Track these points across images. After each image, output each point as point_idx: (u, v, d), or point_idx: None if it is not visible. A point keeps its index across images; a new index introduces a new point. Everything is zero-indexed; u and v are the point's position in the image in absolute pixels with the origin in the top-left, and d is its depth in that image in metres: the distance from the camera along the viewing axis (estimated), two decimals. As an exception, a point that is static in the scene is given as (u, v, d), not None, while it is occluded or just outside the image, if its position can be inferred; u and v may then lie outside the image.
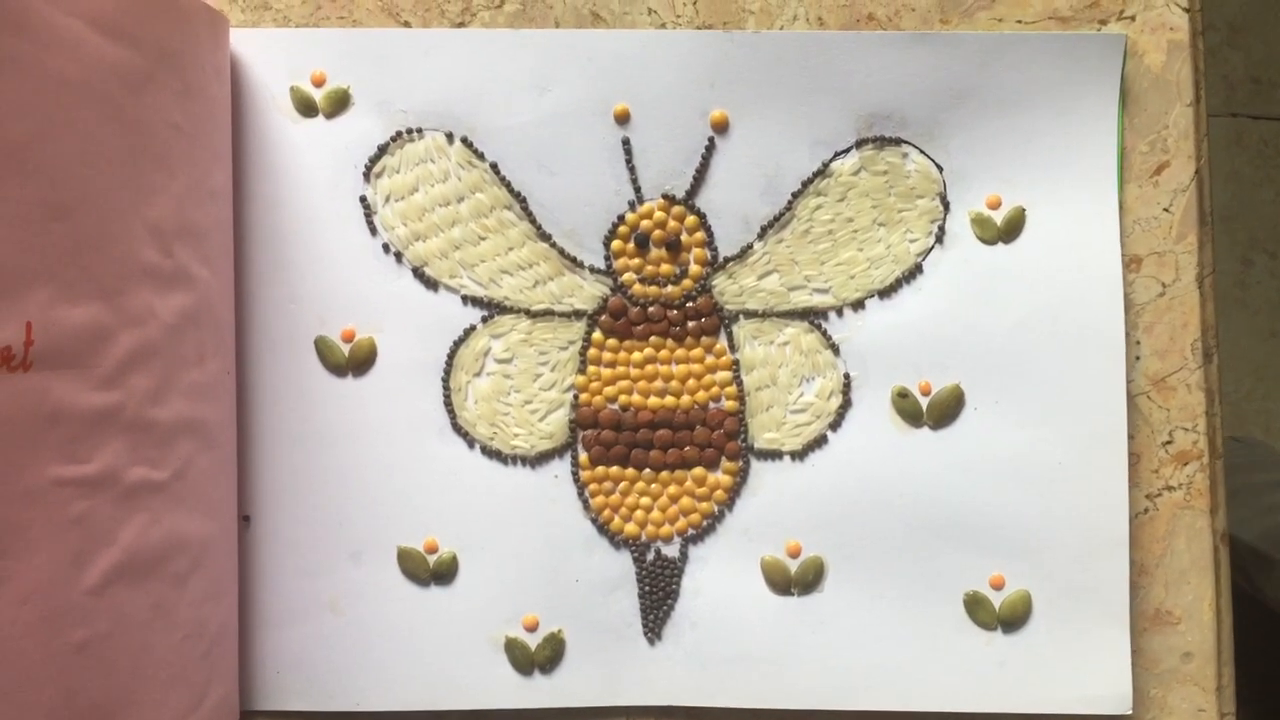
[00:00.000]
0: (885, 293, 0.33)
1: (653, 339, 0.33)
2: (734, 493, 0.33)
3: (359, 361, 0.33)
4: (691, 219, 0.33)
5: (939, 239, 0.33)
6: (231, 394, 0.32)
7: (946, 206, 0.33)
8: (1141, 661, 0.33)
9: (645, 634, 0.33)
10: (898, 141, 0.32)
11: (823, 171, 0.33)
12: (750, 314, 0.33)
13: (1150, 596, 0.33)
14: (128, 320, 0.25)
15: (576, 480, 0.33)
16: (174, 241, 0.27)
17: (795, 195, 0.33)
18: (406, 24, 0.33)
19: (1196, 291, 0.33)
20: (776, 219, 0.33)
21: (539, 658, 0.32)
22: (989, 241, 0.33)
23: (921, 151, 0.33)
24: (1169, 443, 0.33)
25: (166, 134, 0.27)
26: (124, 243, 0.25)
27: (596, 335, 0.33)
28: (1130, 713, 0.32)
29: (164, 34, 0.27)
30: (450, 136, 0.33)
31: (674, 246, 0.33)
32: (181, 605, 0.28)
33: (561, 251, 0.33)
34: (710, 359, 0.33)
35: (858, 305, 0.33)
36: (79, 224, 0.24)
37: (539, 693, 0.32)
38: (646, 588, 0.33)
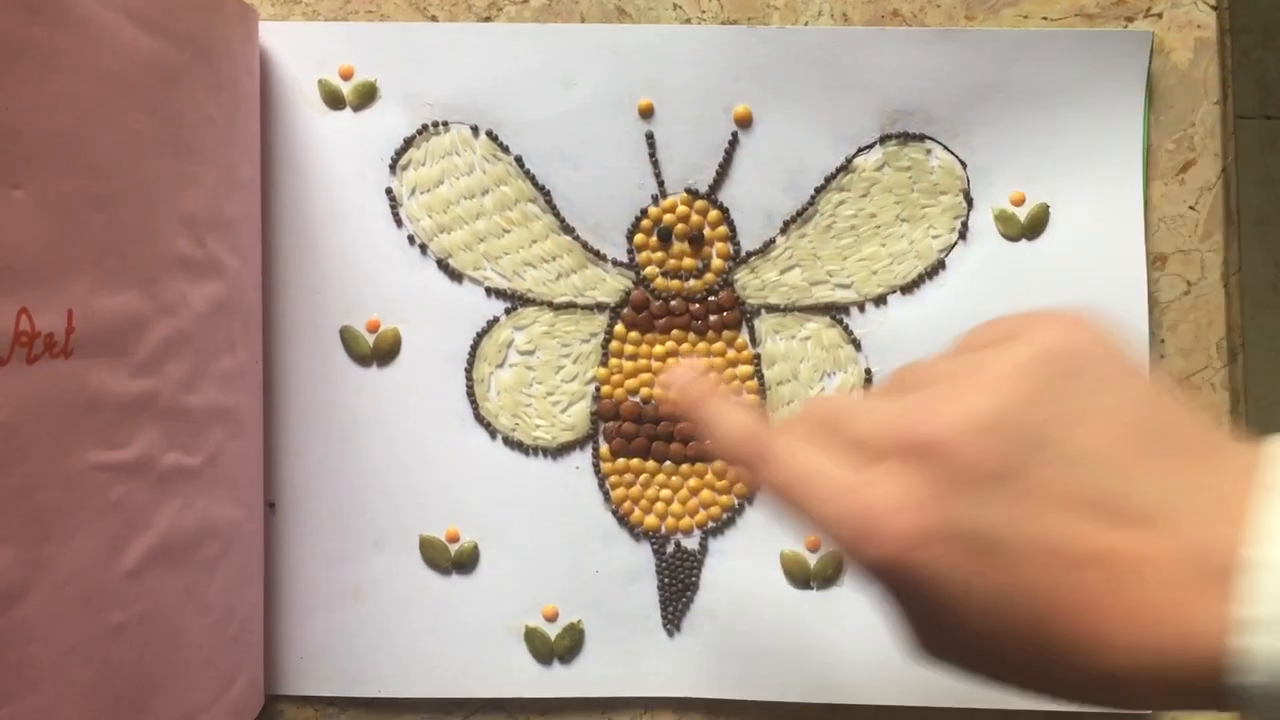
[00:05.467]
0: (907, 288, 0.34)
1: (674, 332, 0.34)
2: (754, 486, 0.34)
3: (383, 352, 0.34)
4: (714, 213, 0.34)
5: (962, 235, 0.34)
6: (259, 382, 0.33)
7: (970, 203, 0.34)
8: (1161, 661, 0.34)
9: (664, 626, 0.34)
10: (921, 137, 0.33)
11: (846, 167, 0.33)
12: (772, 308, 0.34)
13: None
14: (163, 309, 0.27)
15: (597, 472, 0.34)
16: (206, 231, 0.29)
17: (818, 190, 0.34)
18: (433, 18, 0.34)
19: (1222, 290, 0.34)
20: (799, 214, 0.34)
21: (558, 648, 0.34)
22: (1012, 238, 0.34)
23: (945, 147, 0.33)
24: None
25: (200, 126, 0.29)
26: (160, 232, 0.27)
27: (619, 328, 0.34)
28: (1149, 711, 0.33)
29: (197, 27, 0.28)
30: (476, 130, 0.34)
31: (696, 240, 0.34)
32: (212, 590, 0.29)
33: (585, 245, 0.34)
34: (732, 353, 0.34)
35: (880, 301, 0.34)
36: (118, 214, 0.25)
37: (558, 682, 0.34)
38: (666, 579, 0.34)
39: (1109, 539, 0.16)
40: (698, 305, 0.34)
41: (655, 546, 0.34)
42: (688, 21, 0.34)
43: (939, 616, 0.18)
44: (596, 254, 0.34)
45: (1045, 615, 0.16)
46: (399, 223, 0.34)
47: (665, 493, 0.34)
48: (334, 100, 0.34)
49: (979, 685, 0.18)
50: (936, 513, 0.17)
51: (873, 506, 0.18)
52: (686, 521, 0.34)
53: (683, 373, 0.24)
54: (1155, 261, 0.34)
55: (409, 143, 0.34)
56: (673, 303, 0.34)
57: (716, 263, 0.34)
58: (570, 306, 0.34)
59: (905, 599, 0.18)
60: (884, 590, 0.18)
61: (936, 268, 0.34)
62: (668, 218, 0.34)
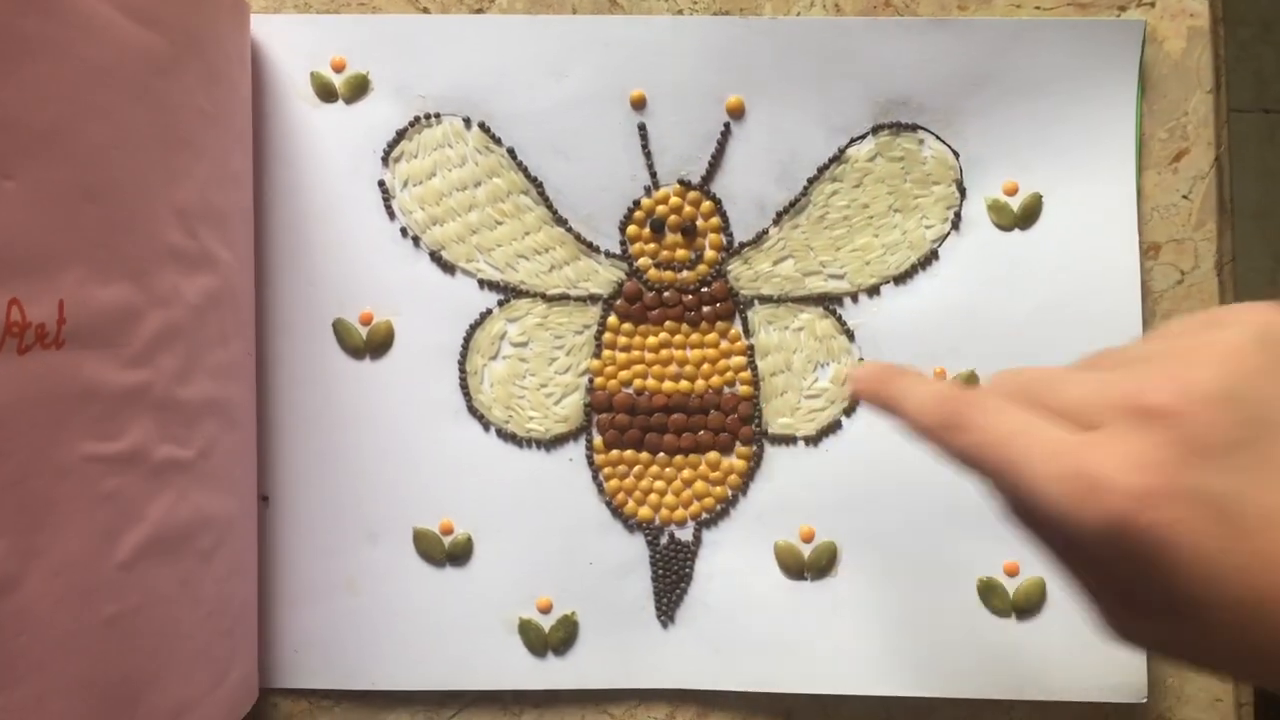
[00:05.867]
0: (901, 279, 0.34)
1: (668, 324, 0.34)
2: (748, 477, 0.34)
3: (376, 344, 0.34)
4: (707, 204, 0.34)
5: (955, 225, 0.34)
6: (252, 375, 0.33)
7: (963, 193, 0.34)
8: (1157, 651, 0.34)
9: (658, 617, 0.34)
10: (914, 127, 0.34)
11: (839, 157, 0.34)
12: (765, 299, 0.34)
13: (1166, 585, 0.34)
14: (155, 300, 0.27)
15: (591, 464, 0.34)
16: (198, 224, 0.29)
17: (811, 181, 0.34)
18: (425, 10, 0.35)
19: (1215, 279, 0.34)
20: (792, 205, 0.34)
21: (552, 639, 0.34)
22: (1005, 228, 0.34)
23: (938, 137, 0.34)
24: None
25: (192, 118, 0.29)
26: (152, 224, 0.27)
27: (612, 320, 0.34)
28: (1146, 701, 0.33)
29: (188, 19, 0.28)
30: (468, 122, 0.34)
31: (689, 232, 0.34)
32: (206, 582, 0.30)
33: (577, 236, 0.34)
34: (725, 344, 0.34)
35: (873, 291, 0.34)
36: (110, 205, 0.25)
37: (552, 674, 0.34)
38: (660, 571, 0.34)
39: None
40: (691, 296, 0.34)
41: (649, 538, 0.34)
42: (679, 13, 0.34)
43: (1160, 585, 0.17)
44: (589, 246, 0.34)
45: None
46: (391, 215, 0.34)
47: (659, 484, 0.34)
48: (326, 93, 0.34)
49: (1170, 661, 0.18)
50: (1175, 475, 0.17)
51: (1103, 464, 0.17)
52: (680, 513, 0.34)
53: (865, 368, 0.23)
54: (1148, 251, 0.34)
55: (401, 135, 0.34)
56: (666, 294, 0.34)
57: (709, 254, 0.34)
58: (563, 298, 0.34)
59: (1122, 566, 0.17)
60: (1097, 557, 0.18)
61: (930, 258, 0.34)
62: (660, 209, 0.34)
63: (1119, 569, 0.18)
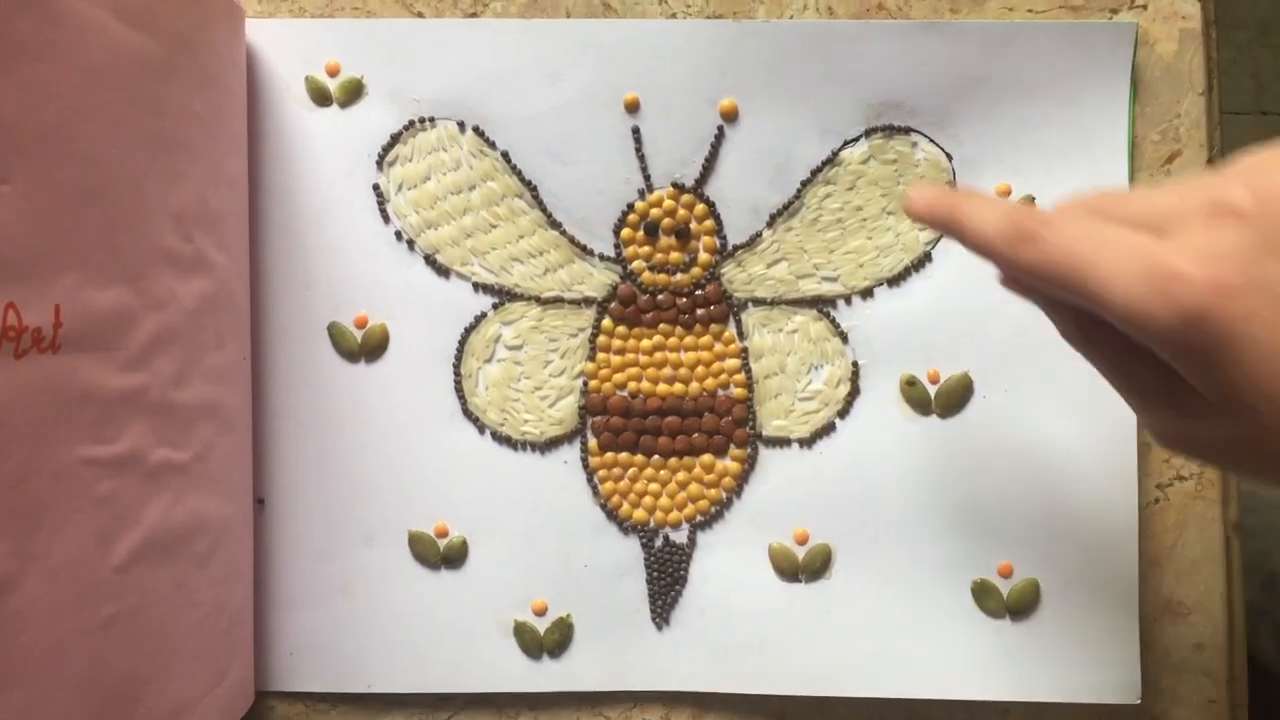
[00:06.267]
0: (894, 281, 0.34)
1: (662, 326, 0.34)
2: (742, 480, 0.34)
3: (371, 348, 0.34)
4: (701, 207, 0.34)
5: (948, 228, 0.34)
6: (247, 378, 0.33)
7: (956, 195, 0.34)
8: (1152, 652, 0.34)
9: (653, 620, 0.34)
10: (907, 130, 0.34)
11: (832, 160, 0.34)
12: (759, 302, 0.34)
13: (1161, 587, 0.34)
14: (151, 304, 0.27)
15: (586, 466, 0.34)
16: (194, 227, 0.29)
17: (804, 184, 0.34)
18: (419, 14, 0.35)
19: (1208, 281, 0.34)
20: (785, 207, 0.34)
21: (548, 642, 0.34)
22: (998, 230, 0.34)
23: (931, 140, 0.34)
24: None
25: (187, 121, 0.29)
26: (148, 228, 0.27)
27: (606, 322, 0.34)
28: (1139, 702, 0.33)
29: (183, 22, 0.29)
30: (462, 125, 0.34)
31: (683, 235, 0.34)
32: (202, 585, 0.30)
33: (572, 239, 0.34)
34: (719, 346, 0.34)
35: (866, 293, 0.34)
36: (106, 209, 0.25)
37: (547, 677, 0.34)
38: (655, 574, 0.34)
39: None
40: (685, 299, 0.34)
41: (644, 540, 0.34)
42: (673, 16, 0.35)
43: (1229, 378, 0.17)
44: (583, 249, 0.34)
45: None
46: (386, 219, 0.34)
47: (654, 487, 0.34)
48: (320, 97, 0.34)
49: (1222, 466, 0.18)
50: (1251, 269, 0.17)
51: (1178, 258, 0.17)
52: (675, 515, 0.34)
53: (920, 193, 0.22)
54: (1141, 253, 0.34)
55: (396, 139, 0.34)
56: (660, 297, 0.34)
57: (703, 257, 0.34)
58: (558, 301, 0.35)
59: (1192, 360, 0.18)
60: (1167, 354, 0.18)
61: (923, 260, 0.34)
62: (654, 212, 0.34)
63: (1189, 364, 0.18)
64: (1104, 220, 0.19)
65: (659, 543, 0.34)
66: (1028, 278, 0.20)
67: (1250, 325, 0.17)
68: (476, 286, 0.34)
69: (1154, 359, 0.19)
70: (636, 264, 0.34)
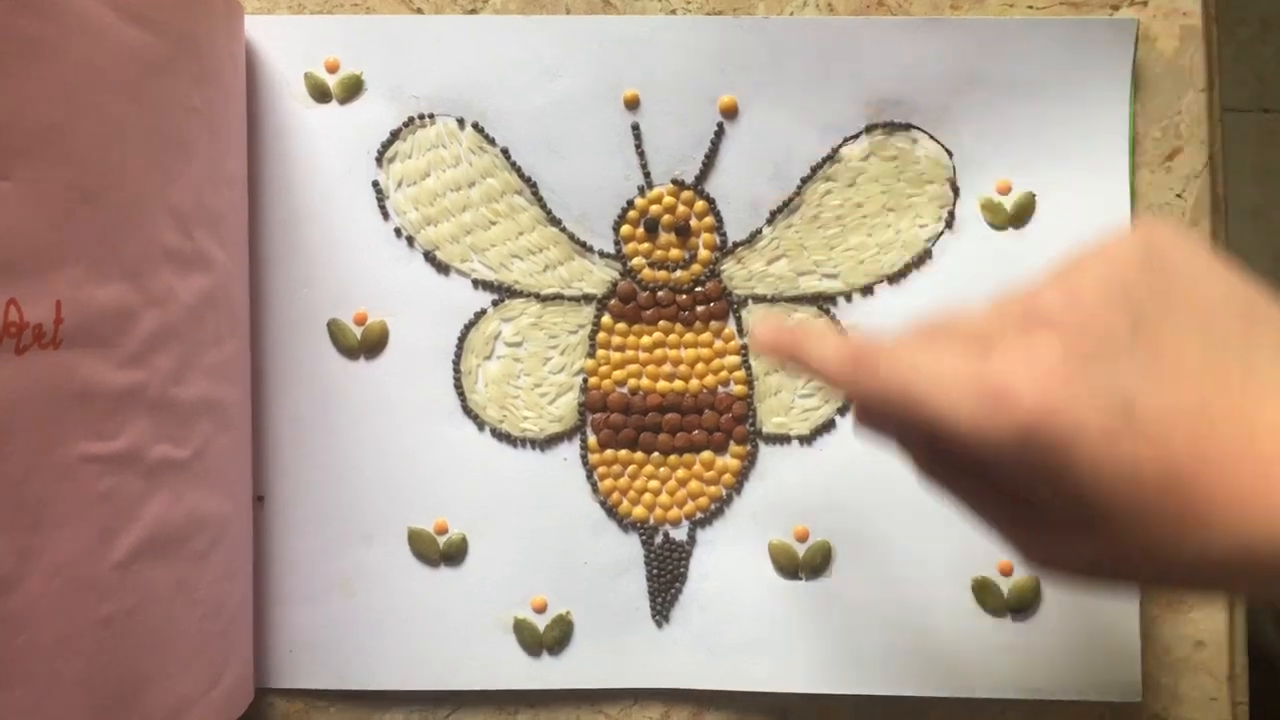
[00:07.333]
0: (894, 278, 0.34)
1: (662, 323, 0.35)
2: (742, 477, 0.35)
3: (371, 344, 0.35)
4: (700, 204, 0.34)
5: (948, 224, 0.34)
6: (247, 375, 0.34)
7: (956, 192, 0.34)
8: (1153, 649, 0.34)
9: (653, 617, 0.34)
10: (907, 127, 0.34)
11: (832, 157, 0.34)
12: (759, 299, 0.35)
13: (1161, 584, 0.34)
14: (151, 301, 0.27)
15: (585, 463, 0.35)
16: (193, 224, 0.29)
17: (804, 180, 0.34)
18: (419, 10, 0.35)
19: (1209, 278, 0.35)
20: (785, 204, 0.34)
21: (547, 639, 0.34)
22: (999, 227, 0.34)
23: (931, 137, 0.34)
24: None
25: (186, 118, 0.29)
26: (147, 224, 0.27)
27: (606, 319, 0.35)
28: (1140, 700, 0.34)
29: (182, 19, 0.29)
30: (461, 122, 0.34)
31: (683, 231, 0.34)
32: (202, 583, 0.30)
33: (571, 236, 0.35)
34: (719, 343, 0.35)
35: (867, 290, 0.34)
36: (106, 205, 0.26)
37: (547, 674, 0.34)
38: (654, 571, 0.34)
39: (1235, 403, 0.17)
40: (685, 296, 0.35)
41: (644, 537, 0.35)
42: (673, 12, 0.35)
43: (1071, 491, 0.17)
44: (583, 245, 0.35)
45: (1180, 475, 0.17)
46: (386, 215, 0.35)
47: (653, 484, 0.35)
48: (320, 93, 0.34)
49: (1085, 586, 0.18)
50: (1070, 377, 0.17)
51: (1005, 377, 0.18)
52: (675, 512, 0.35)
53: (766, 328, 0.23)
54: (1142, 250, 0.35)
55: (395, 135, 0.34)
56: (660, 294, 0.35)
57: (703, 254, 0.35)
58: (557, 298, 0.35)
59: (1035, 479, 0.18)
60: (1009, 475, 0.18)
61: (923, 257, 0.34)
62: (654, 209, 0.35)
63: (1033, 483, 0.18)
64: (936, 342, 0.20)
65: (659, 540, 0.35)
66: (873, 408, 0.21)
67: (1082, 435, 0.17)
68: (476, 283, 0.35)
69: (1007, 483, 0.19)
70: (636, 261, 0.35)
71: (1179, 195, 0.35)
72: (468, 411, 0.35)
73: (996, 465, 0.18)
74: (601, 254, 0.35)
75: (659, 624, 0.35)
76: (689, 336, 0.35)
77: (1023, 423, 0.17)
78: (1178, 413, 0.17)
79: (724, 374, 0.35)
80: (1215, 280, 0.18)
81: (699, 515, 0.35)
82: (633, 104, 0.34)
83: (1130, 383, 0.17)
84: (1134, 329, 0.18)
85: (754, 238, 0.35)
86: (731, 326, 0.35)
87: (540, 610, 0.34)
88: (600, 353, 0.35)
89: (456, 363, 0.35)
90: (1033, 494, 0.19)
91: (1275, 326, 0.18)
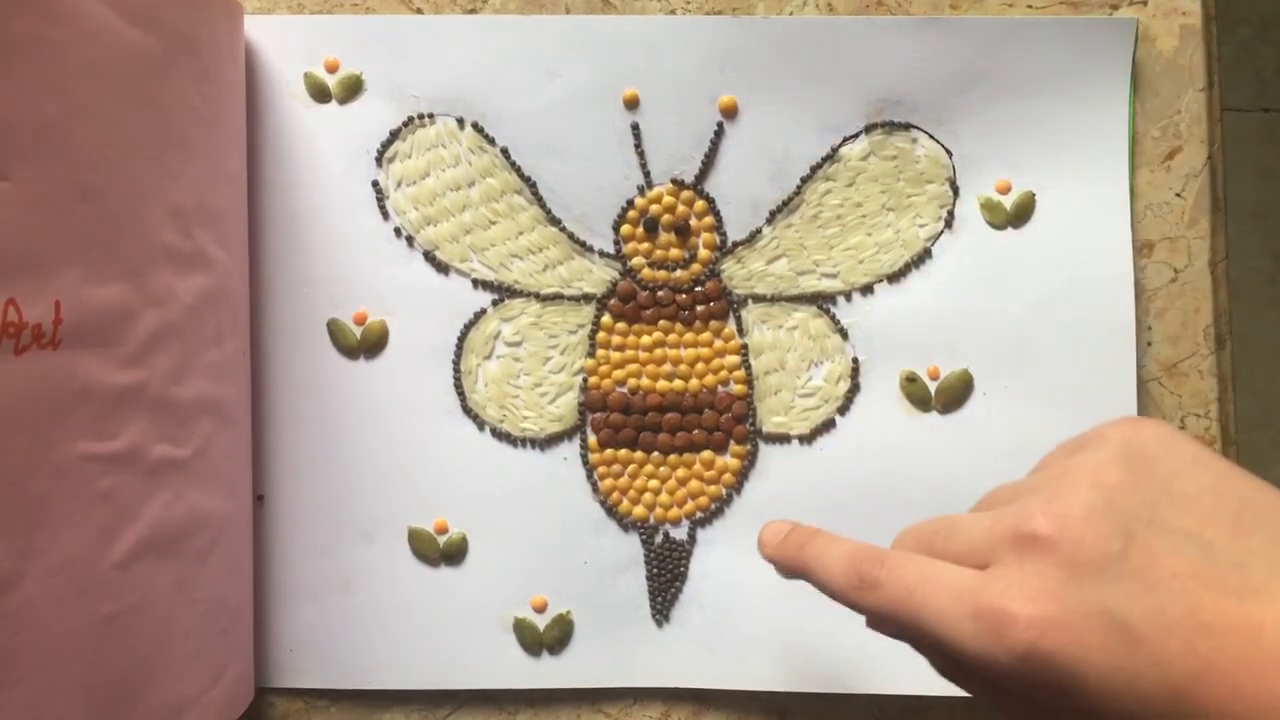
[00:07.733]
0: (894, 277, 0.34)
1: (661, 323, 0.35)
2: (742, 476, 0.35)
3: (371, 344, 0.35)
4: (700, 204, 0.34)
5: (948, 224, 0.34)
6: (247, 375, 0.34)
7: (956, 191, 0.34)
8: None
9: (653, 616, 0.35)
10: (907, 126, 0.34)
11: (832, 156, 0.34)
12: (759, 298, 0.35)
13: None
14: (150, 300, 0.27)
15: (585, 463, 0.35)
16: (193, 224, 0.30)
17: (804, 180, 0.34)
18: (419, 10, 0.35)
19: (1209, 277, 0.35)
20: (785, 204, 0.34)
21: (547, 639, 0.34)
22: (999, 226, 0.34)
23: (931, 136, 0.34)
24: (1181, 429, 0.35)
25: (186, 118, 0.29)
26: (147, 224, 0.27)
27: (606, 319, 0.35)
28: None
29: (182, 19, 0.29)
30: (461, 122, 0.34)
31: (683, 231, 0.34)
32: (202, 582, 0.30)
33: (571, 236, 0.35)
34: (719, 343, 0.35)
35: (866, 290, 0.35)
36: (106, 205, 0.26)
37: (547, 673, 0.34)
38: (655, 570, 0.35)
39: (1231, 605, 0.17)
40: (684, 296, 0.35)
41: (644, 537, 0.35)
42: (672, 12, 0.35)
43: (1078, 706, 0.18)
44: (583, 245, 0.35)
45: (1184, 685, 0.17)
46: (385, 215, 0.35)
47: (653, 483, 0.35)
48: (319, 93, 0.35)
49: None
50: (1064, 597, 0.18)
51: (999, 598, 0.18)
52: (675, 512, 0.35)
53: (772, 533, 0.25)
54: (1142, 249, 0.35)
55: (395, 135, 0.35)
56: (659, 293, 0.35)
57: (703, 253, 0.35)
58: (557, 298, 0.35)
59: (1041, 694, 0.18)
60: (1017, 690, 0.19)
61: (923, 257, 0.35)
62: (654, 208, 0.35)
63: (1041, 697, 0.19)
64: (933, 557, 0.20)
65: (659, 539, 0.35)
66: (880, 623, 0.22)
67: (1083, 653, 0.18)
68: (476, 283, 0.35)
69: (1018, 692, 0.20)
70: (636, 260, 0.35)
71: (1179, 195, 0.35)
72: (468, 411, 0.35)
73: (1004, 680, 0.19)
74: (601, 254, 0.35)
75: (659, 623, 0.35)
76: (689, 336, 0.35)
77: (1022, 643, 0.18)
78: (1174, 622, 0.17)
79: (724, 373, 0.35)
80: (1200, 472, 0.19)
81: (699, 515, 0.35)
82: (632, 104, 0.34)
83: (1124, 599, 0.18)
84: (1125, 544, 0.18)
85: (754, 237, 0.35)
86: (731, 326, 0.35)
87: (540, 610, 0.35)
88: (600, 352, 0.35)
89: (456, 362, 0.35)
90: (1047, 706, 0.19)
91: (1264, 516, 0.18)
